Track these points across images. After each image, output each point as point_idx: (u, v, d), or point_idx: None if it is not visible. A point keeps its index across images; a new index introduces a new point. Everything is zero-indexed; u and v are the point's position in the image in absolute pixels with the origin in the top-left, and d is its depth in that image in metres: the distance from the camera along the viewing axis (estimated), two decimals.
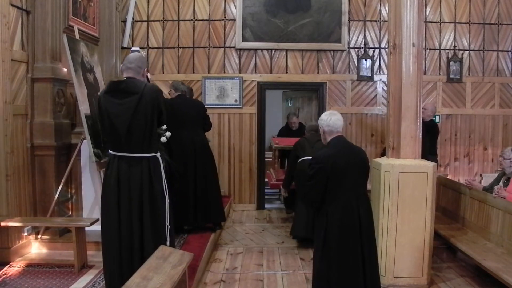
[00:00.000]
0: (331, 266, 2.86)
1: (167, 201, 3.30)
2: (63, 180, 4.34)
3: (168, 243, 3.25)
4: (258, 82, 6.81)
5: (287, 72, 6.83)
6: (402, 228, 3.75)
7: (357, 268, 2.86)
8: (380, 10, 6.80)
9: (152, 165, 3.21)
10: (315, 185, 2.86)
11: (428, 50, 6.81)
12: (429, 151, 5.64)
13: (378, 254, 3.81)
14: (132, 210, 3.15)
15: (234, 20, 6.71)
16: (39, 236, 4.28)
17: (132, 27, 6.70)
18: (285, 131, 6.95)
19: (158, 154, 3.29)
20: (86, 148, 4.23)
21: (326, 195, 2.85)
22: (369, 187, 4.19)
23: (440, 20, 6.86)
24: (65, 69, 4.56)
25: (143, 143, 3.17)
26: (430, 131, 5.58)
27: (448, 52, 6.88)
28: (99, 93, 3.46)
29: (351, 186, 2.88)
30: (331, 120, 2.96)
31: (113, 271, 3.19)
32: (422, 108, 5.96)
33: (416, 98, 3.86)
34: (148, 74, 3.49)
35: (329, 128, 2.96)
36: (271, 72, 6.83)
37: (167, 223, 3.29)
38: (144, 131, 3.15)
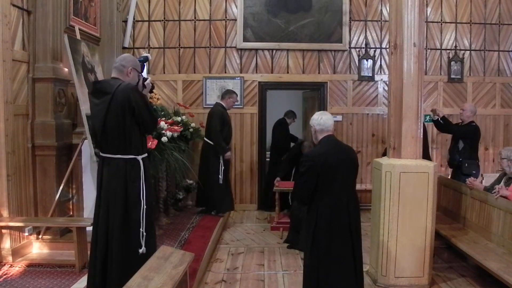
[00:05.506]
0: (320, 262, 2.92)
1: (143, 206, 3.09)
2: (64, 180, 4.34)
3: (142, 250, 3.07)
4: (259, 82, 6.81)
5: (288, 72, 6.83)
6: (403, 228, 3.76)
7: (347, 264, 2.93)
8: (381, 10, 6.80)
9: (128, 167, 3.07)
10: (306, 182, 2.95)
11: (429, 50, 6.81)
12: (469, 155, 5.23)
13: (379, 253, 3.83)
14: (107, 212, 3.08)
15: (235, 20, 6.72)
16: (40, 236, 4.27)
17: (133, 27, 6.70)
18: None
19: (140, 157, 3.12)
20: (87, 148, 4.23)
21: (317, 192, 2.93)
22: (369, 187, 4.20)
23: (441, 20, 6.85)
24: (66, 69, 4.55)
25: (119, 144, 3.06)
26: (468, 135, 5.28)
27: (449, 52, 6.88)
28: None
29: (340, 183, 2.96)
30: (322, 119, 3.06)
31: (90, 271, 3.20)
32: (460, 109, 5.48)
33: (417, 98, 3.85)
34: (146, 75, 3.43)
35: (320, 127, 3.06)
36: (272, 72, 6.83)
37: (142, 229, 3.08)
38: (117, 131, 3.03)
